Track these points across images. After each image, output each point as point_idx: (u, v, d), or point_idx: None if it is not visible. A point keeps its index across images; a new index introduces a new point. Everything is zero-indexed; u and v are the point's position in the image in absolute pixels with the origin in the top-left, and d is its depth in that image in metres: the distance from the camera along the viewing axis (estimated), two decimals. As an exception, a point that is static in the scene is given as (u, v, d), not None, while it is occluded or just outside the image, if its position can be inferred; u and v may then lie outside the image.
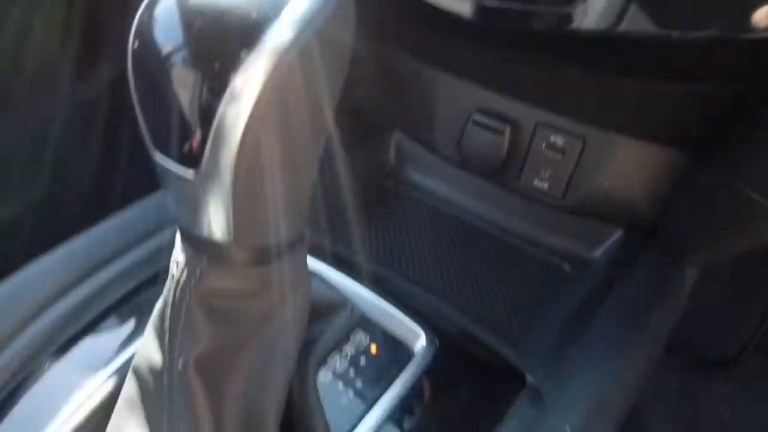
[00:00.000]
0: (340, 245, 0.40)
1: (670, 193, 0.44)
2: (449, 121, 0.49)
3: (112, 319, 0.31)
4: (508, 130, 0.45)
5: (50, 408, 0.28)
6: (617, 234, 0.47)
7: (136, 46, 0.20)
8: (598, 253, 0.47)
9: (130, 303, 0.32)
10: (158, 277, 0.34)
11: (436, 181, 0.53)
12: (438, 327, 0.33)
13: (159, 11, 0.19)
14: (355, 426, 0.27)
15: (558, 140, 0.44)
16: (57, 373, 0.29)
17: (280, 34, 0.19)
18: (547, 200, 0.46)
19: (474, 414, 0.30)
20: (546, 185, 0.46)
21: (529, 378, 0.33)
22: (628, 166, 0.44)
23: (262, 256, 0.23)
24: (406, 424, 0.28)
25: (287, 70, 0.18)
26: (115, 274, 0.33)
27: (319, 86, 0.20)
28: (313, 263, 0.34)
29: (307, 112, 0.20)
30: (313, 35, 0.19)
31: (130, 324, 0.31)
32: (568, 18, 0.31)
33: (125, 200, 0.36)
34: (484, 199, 0.50)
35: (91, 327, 0.31)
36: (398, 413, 0.28)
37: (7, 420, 0.29)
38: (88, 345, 0.30)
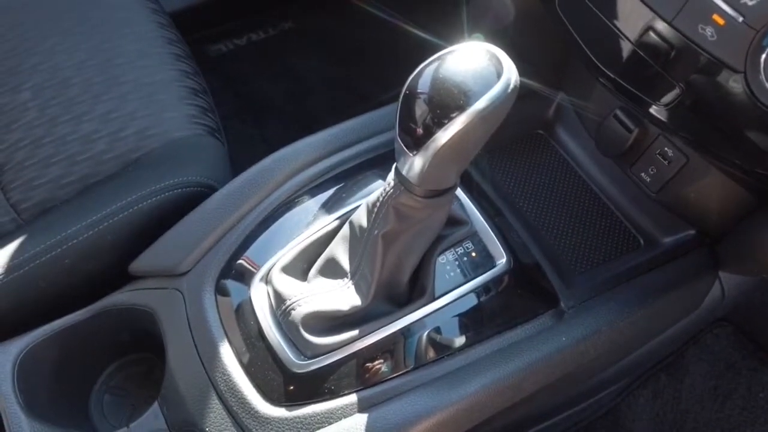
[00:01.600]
0: (481, 176, 0.60)
1: (738, 219, 0.58)
2: (599, 105, 0.63)
3: (346, 182, 0.55)
4: (636, 132, 0.59)
5: (297, 229, 0.53)
6: (690, 232, 0.61)
7: (407, 89, 0.40)
8: (668, 240, 0.62)
9: (359, 174, 0.55)
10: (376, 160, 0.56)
11: (576, 144, 0.68)
12: (517, 256, 0.53)
13: (424, 74, 0.39)
14: (447, 292, 0.50)
15: (669, 151, 0.58)
16: (305, 208, 0.53)
17: (477, 105, 0.37)
18: (645, 190, 0.61)
19: (511, 312, 0.51)
20: (648, 179, 0.61)
21: (562, 304, 0.53)
22: (714, 189, 0.57)
23: (430, 194, 0.44)
24: (472, 301, 0.51)
25: (472, 125, 0.38)
26: (354, 152, 0.56)
27: (485, 131, 0.40)
28: (458, 189, 0.55)
29: (475, 142, 0.40)
30: (493, 108, 0.38)
31: (356, 189, 0.54)
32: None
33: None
34: (603, 169, 0.65)
35: (330, 183, 0.55)
36: (472, 295, 0.51)
37: (269, 231, 0.53)
38: (327, 195, 0.54)
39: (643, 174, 0.61)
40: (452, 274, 0.51)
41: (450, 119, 0.38)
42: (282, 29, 1.19)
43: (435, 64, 0.39)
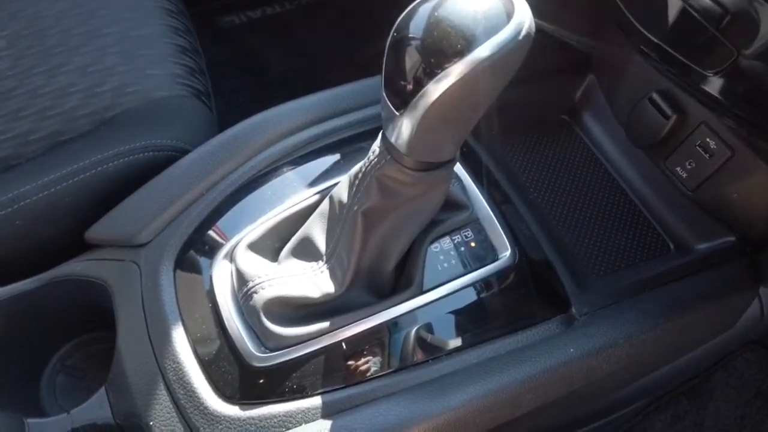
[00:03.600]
0: (491, 159, 0.53)
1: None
2: (632, 88, 0.56)
3: (334, 153, 0.48)
4: (674, 119, 0.52)
5: (272, 202, 0.46)
6: (728, 238, 0.53)
7: (395, 32, 0.32)
8: (703, 246, 0.54)
9: (350, 146, 0.48)
10: (365, 134, 0.49)
11: (604, 131, 0.61)
12: (524, 250, 0.45)
13: (417, 13, 0.32)
14: (438, 285, 0.42)
15: (711, 143, 0.50)
16: (284, 180, 0.46)
17: (479, 53, 0.30)
18: (680, 187, 0.54)
19: (512, 315, 0.44)
20: (685, 175, 0.53)
21: (573, 309, 0.45)
22: (761, 189, 0.49)
23: (422, 167, 0.36)
24: (468, 298, 0.43)
25: (472, 77, 0.30)
26: (347, 122, 0.49)
27: (489, 88, 0.32)
28: (460, 169, 0.47)
29: (475, 102, 0.32)
30: (497, 59, 0.30)
31: (344, 163, 0.47)
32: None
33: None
34: (633, 161, 0.58)
35: (315, 154, 0.48)
36: (468, 290, 0.43)
37: (242, 203, 0.47)
38: (310, 167, 0.47)
39: (678, 168, 0.53)
40: (446, 265, 0.43)
41: (444, 69, 0.30)
42: (299, 3, 1.13)
43: (431, 2, 0.31)
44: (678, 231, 0.55)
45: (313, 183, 0.46)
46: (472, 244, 0.44)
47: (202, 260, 0.45)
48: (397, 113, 0.33)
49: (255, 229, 0.44)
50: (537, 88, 0.61)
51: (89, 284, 0.48)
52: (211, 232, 0.45)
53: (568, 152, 0.59)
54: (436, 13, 0.31)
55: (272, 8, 1.12)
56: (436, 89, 0.31)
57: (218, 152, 0.48)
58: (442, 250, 0.44)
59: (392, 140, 0.35)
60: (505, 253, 0.44)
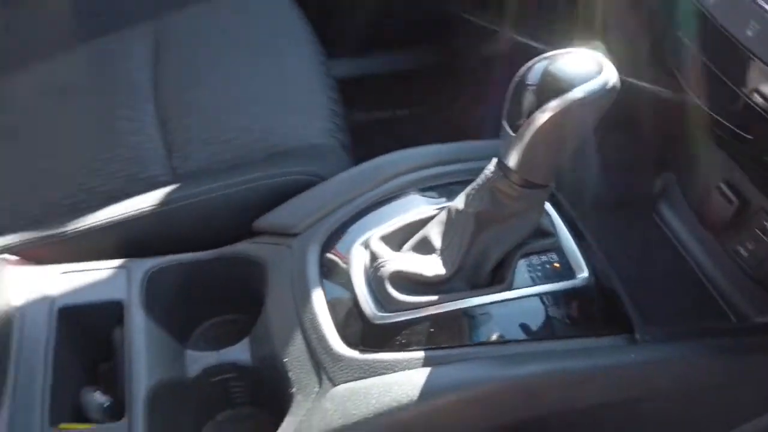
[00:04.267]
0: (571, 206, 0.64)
1: None
2: (703, 178, 0.66)
3: (449, 186, 0.61)
4: (736, 204, 0.61)
5: (400, 212, 0.60)
6: (788, 313, 0.60)
7: (517, 77, 0.47)
8: (764, 319, 0.60)
9: (460, 184, 0.61)
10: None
11: (674, 215, 0.70)
12: (598, 276, 0.56)
13: (535, 66, 0.46)
14: (525, 287, 0.54)
15: (769, 226, 0.59)
16: (412, 199, 0.61)
17: (574, 94, 0.44)
18: (742, 265, 0.62)
19: (583, 324, 0.53)
20: (746, 255, 0.61)
21: (637, 335, 0.54)
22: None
23: (525, 184, 0.49)
24: (547, 302, 0.53)
25: (568, 111, 0.44)
26: (459, 168, 0.64)
27: (579, 124, 0.46)
28: (550, 208, 0.60)
29: (567, 134, 0.46)
30: (587, 101, 0.44)
31: (455, 192, 0.60)
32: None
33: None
34: (699, 239, 0.66)
35: (437, 186, 0.62)
36: (548, 296, 0.54)
37: (377, 211, 0.61)
38: (433, 193, 0.61)
39: (739, 246, 0.62)
40: (532, 275, 0.54)
41: (548, 103, 0.44)
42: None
43: (547, 60, 0.46)
44: (739, 305, 0.62)
45: (434, 203, 0.59)
46: (555, 265, 0.55)
47: (343, 246, 0.58)
48: (512, 134, 0.47)
49: (387, 227, 0.57)
50: (623, 177, 0.73)
51: (249, 261, 0.62)
52: (351, 228, 0.59)
53: (641, 227, 0.69)
54: (548, 67, 0.45)
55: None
56: (540, 117, 0.45)
57: (361, 174, 0.64)
58: (530, 264, 0.55)
59: (505, 160, 0.49)
60: (582, 275, 0.55)
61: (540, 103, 0.45)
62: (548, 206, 0.59)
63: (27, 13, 1.01)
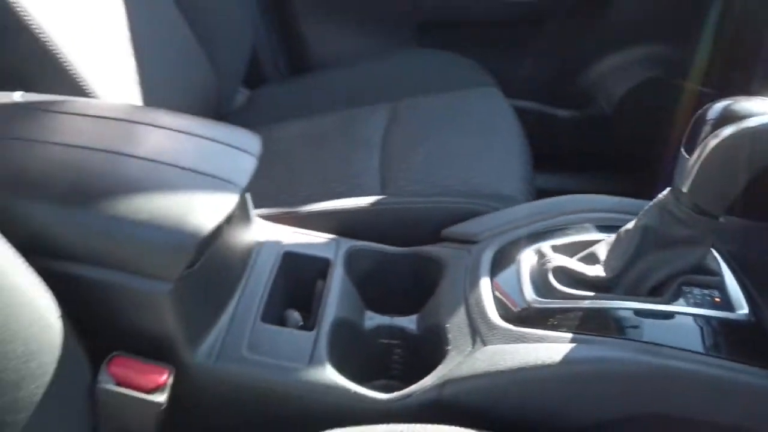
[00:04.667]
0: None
1: None
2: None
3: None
4: None
5: (569, 236, 0.67)
6: None
7: (698, 113, 0.55)
8: None
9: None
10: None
11: None
12: (759, 317, 0.57)
13: (715, 106, 0.54)
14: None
15: None
16: (581, 227, 0.68)
17: (748, 124, 0.51)
18: None
19: (737, 352, 0.54)
20: None
21: None
22: None
23: (695, 209, 0.55)
24: (703, 324, 0.56)
25: (738, 139, 0.51)
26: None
27: (751, 155, 0.52)
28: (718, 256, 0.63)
29: (736, 164, 0.52)
30: (755, 132, 0.50)
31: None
32: None
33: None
34: None
35: (606, 228, 0.69)
36: (705, 319, 0.56)
37: (550, 233, 0.69)
38: (604, 230, 0.68)
39: None
40: (690, 300, 0.58)
41: (722, 129, 0.52)
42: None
43: (728, 101, 0.54)
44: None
45: (605, 235, 0.66)
46: (716, 299, 0.58)
47: (515, 250, 0.67)
48: (687, 155, 0.54)
49: (558, 240, 0.65)
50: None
51: (431, 260, 0.73)
52: (524, 239, 0.68)
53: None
54: (728, 105, 0.53)
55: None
56: (713, 141, 0.52)
57: (544, 204, 0.74)
58: (690, 292, 0.59)
59: (678, 183, 0.56)
60: (742, 311, 0.57)
61: (715, 130, 0.52)
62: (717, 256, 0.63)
63: (302, 85, 1.33)
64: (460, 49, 1.32)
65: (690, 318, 0.57)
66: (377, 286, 0.75)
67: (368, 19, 1.43)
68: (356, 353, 0.66)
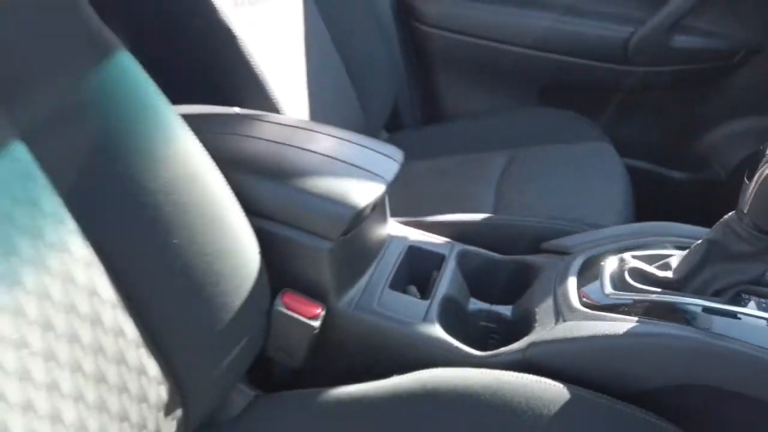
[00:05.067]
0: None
1: None
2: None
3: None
4: None
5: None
6: None
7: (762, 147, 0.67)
8: None
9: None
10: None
11: None
12: None
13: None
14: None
15: None
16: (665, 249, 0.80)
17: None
18: None
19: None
20: None
21: None
22: None
23: (753, 227, 0.66)
24: (753, 323, 0.66)
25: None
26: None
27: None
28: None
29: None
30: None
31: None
32: None
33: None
34: None
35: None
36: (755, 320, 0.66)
37: (631, 252, 0.82)
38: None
39: None
40: (751, 306, 0.68)
41: (778, 158, 0.64)
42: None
43: (783, 140, 0.66)
44: None
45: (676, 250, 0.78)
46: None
47: (601, 259, 0.80)
48: (746, 182, 0.66)
49: (640, 251, 0.78)
50: None
51: (527, 266, 0.88)
52: (610, 251, 0.81)
53: None
54: (784, 146, 0.65)
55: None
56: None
57: (637, 227, 0.86)
58: (750, 299, 0.69)
59: (741, 205, 0.67)
60: (796, 319, 0.66)
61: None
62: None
63: (433, 132, 1.55)
64: (579, 109, 1.48)
65: (753, 319, 0.67)
66: (481, 282, 0.91)
67: (497, 80, 1.63)
68: (459, 328, 0.82)
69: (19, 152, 0.55)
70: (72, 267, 0.56)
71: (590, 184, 1.17)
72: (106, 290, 0.58)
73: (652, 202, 1.29)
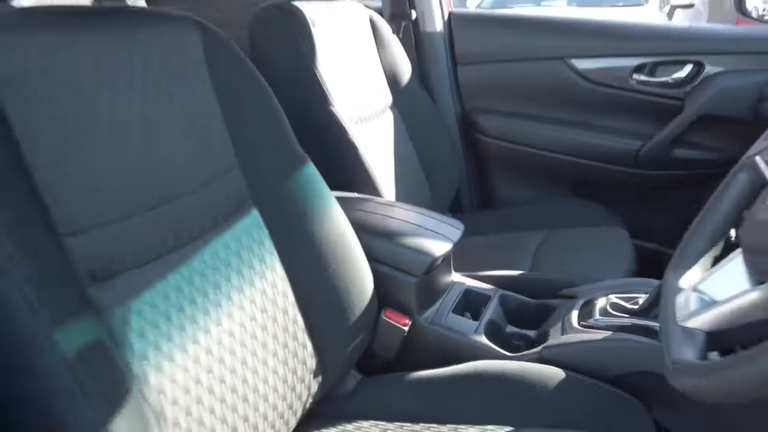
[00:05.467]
0: None
1: None
2: None
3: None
4: None
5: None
6: None
7: None
8: None
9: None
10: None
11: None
12: None
13: None
14: None
15: None
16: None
17: None
18: None
19: None
20: None
21: None
22: None
23: None
24: None
25: None
26: None
27: None
28: None
29: None
30: None
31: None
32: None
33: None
34: None
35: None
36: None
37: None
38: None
39: None
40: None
41: None
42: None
43: None
44: None
45: (650, 296, 1.16)
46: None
47: (595, 299, 1.19)
48: None
49: (624, 295, 1.17)
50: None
51: (548, 307, 1.27)
52: (604, 294, 1.20)
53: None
54: None
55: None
56: None
57: (623, 281, 1.25)
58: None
59: None
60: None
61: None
62: None
63: (487, 216, 2.00)
64: (601, 201, 1.90)
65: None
66: (516, 316, 1.31)
67: (538, 178, 2.08)
68: (498, 342, 1.22)
69: (253, 210, 1.02)
70: (275, 278, 1.01)
71: (603, 256, 1.56)
72: (290, 294, 1.03)
73: (657, 274, 1.66)
